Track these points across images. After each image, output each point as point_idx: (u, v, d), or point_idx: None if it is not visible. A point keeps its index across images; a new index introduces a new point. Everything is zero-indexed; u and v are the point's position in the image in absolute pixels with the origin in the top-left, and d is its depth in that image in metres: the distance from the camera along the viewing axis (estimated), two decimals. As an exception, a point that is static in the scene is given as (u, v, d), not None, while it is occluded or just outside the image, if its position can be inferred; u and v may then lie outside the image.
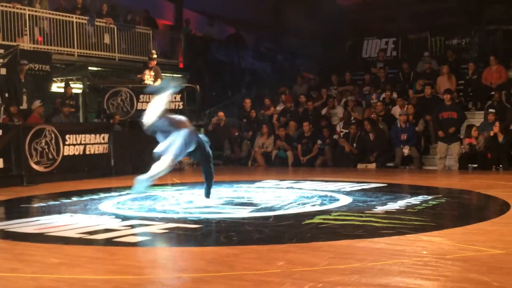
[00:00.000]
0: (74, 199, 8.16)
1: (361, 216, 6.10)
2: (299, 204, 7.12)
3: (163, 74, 16.05)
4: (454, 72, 14.97)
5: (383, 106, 14.27)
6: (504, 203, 7.00)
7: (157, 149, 6.89)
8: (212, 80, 18.43)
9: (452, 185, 9.43)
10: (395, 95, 14.95)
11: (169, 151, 6.74)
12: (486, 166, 11.94)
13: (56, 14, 14.96)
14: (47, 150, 10.79)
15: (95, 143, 11.78)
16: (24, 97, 12.83)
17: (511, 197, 7.43)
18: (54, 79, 15.24)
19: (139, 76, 14.83)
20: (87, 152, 11.59)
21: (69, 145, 11.24)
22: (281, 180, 10.31)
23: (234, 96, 18.82)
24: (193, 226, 5.78)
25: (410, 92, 15.06)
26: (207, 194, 7.45)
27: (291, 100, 16.37)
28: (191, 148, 6.99)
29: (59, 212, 6.89)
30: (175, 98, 14.91)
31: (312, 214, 6.30)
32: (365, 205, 6.98)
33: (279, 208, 6.78)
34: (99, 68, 16.56)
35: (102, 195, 8.56)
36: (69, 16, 15.21)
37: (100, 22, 15.95)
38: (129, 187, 9.47)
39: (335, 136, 14.22)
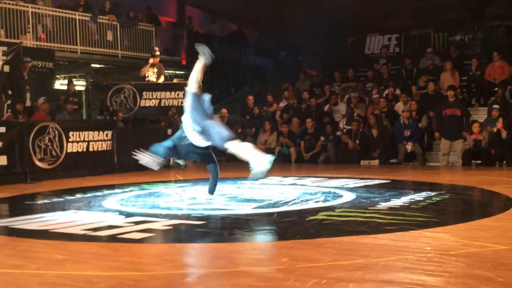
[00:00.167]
0: (78, 196, 8.17)
1: (365, 213, 6.10)
2: (302, 200, 7.13)
3: (165, 71, 16.08)
4: (457, 68, 14.95)
5: (386, 103, 14.25)
6: (508, 199, 6.99)
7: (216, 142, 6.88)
8: (214, 77, 18.43)
9: (456, 181, 9.43)
10: (398, 91, 14.94)
11: (221, 138, 6.77)
12: (490, 162, 11.92)
13: (59, 11, 14.99)
14: (50, 147, 10.80)
15: (99, 140, 11.79)
16: (28, 94, 12.86)
17: (514, 193, 7.43)
18: (57, 76, 15.28)
19: (141, 70, 14.86)
20: (91, 149, 11.61)
21: (72, 142, 11.26)
22: (284, 176, 10.32)
23: (237, 93, 18.83)
24: (196, 222, 5.78)
25: (413, 88, 15.04)
26: (212, 191, 7.44)
27: (294, 96, 16.36)
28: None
29: (63, 209, 6.90)
30: (177, 95, 14.94)
31: (315, 211, 6.30)
32: (368, 201, 6.97)
33: (282, 205, 6.78)
34: (102, 65, 16.59)
35: (106, 192, 8.58)
36: (71, 13, 15.23)
37: (102, 19, 15.97)
38: (133, 184, 9.54)
39: (338, 133, 14.22)
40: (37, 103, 12.70)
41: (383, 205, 6.62)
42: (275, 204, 6.82)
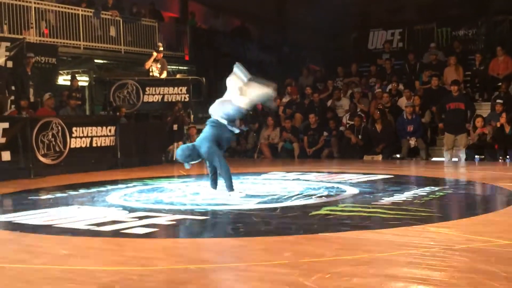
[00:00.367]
0: (82, 191, 8.19)
1: (368, 207, 6.10)
2: (305, 195, 7.13)
3: (168, 66, 16.07)
4: (461, 63, 14.90)
5: (389, 98, 14.23)
6: (511, 194, 6.98)
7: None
8: (217, 72, 18.42)
9: (459, 176, 9.42)
10: (401, 86, 14.92)
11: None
12: (493, 157, 11.91)
13: (62, 7, 14.99)
14: (54, 143, 10.82)
15: (102, 136, 11.80)
16: (31, 90, 12.87)
17: (518, 188, 7.42)
18: (60, 71, 15.29)
19: (146, 63, 14.85)
20: (94, 145, 11.62)
21: (75, 137, 11.27)
22: (287, 172, 10.32)
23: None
24: (200, 217, 5.79)
25: (417, 83, 15.01)
26: (216, 186, 7.40)
27: (297, 92, 16.34)
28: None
29: (67, 204, 6.92)
30: (180, 90, 14.94)
31: (319, 206, 6.30)
32: (372, 196, 6.97)
33: (286, 200, 6.79)
34: (105, 61, 16.59)
35: (109, 187, 8.59)
36: (75, 9, 15.23)
37: (105, 14, 15.96)
38: (136, 179, 9.56)
39: (341, 128, 14.20)
40: (40, 98, 12.72)
41: (387, 200, 6.62)
42: (278, 199, 6.83)
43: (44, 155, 10.64)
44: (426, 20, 18.25)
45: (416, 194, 7.07)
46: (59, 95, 13.79)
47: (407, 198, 6.75)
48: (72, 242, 4.83)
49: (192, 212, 6.12)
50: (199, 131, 15.12)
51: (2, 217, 6.16)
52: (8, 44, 12.78)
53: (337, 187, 7.89)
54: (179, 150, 7.16)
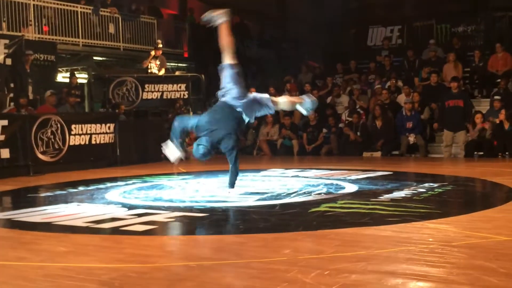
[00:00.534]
0: (81, 188, 8.19)
1: (367, 204, 6.10)
2: (305, 192, 7.13)
3: (167, 63, 16.07)
4: (460, 59, 14.90)
5: (389, 94, 14.23)
6: (510, 190, 7.00)
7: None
8: (217, 69, 18.39)
9: (458, 173, 9.42)
10: (400, 83, 14.91)
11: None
12: (492, 154, 11.91)
13: (60, 4, 14.96)
14: (53, 140, 10.82)
15: (101, 133, 11.80)
16: (30, 88, 12.87)
17: (517, 184, 7.43)
18: (59, 69, 15.28)
19: (144, 62, 14.86)
20: (93, 142, 11.62)
21: (74, 135, 11.27)
22: (286, 168, 10.32)
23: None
24: (199, 214, 5.79)
25: (416, 80, 15.01)
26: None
27: (296, 88, 16.33)
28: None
29: (66, 202, 6.92)
30: (180, 87, 14.94)
31: (318, 202, 6.30)
32: (371, 193, 6.97)
33: (285, 197, 6.79)
34: (104, 58, 16.59)
35: (109, 184, 8.59)
36: (73, 6, 15.20)
37: (104, 11, 15.95)
38: (135, 177, 9.56)
39: (341, 125, 14.21)
40: (39, 96, 12.73)
41: (386, 196, 6.62)
42: (277, 196, 6.83)
43: (43, 153, 10.64)
44: (425, 16, 18.24)
45: (415, 190, 7.07)
46: (58, 93, 13.79)
47: (406, 194, 6.75)
48: (71, 240, 4.83)
49: (191, 209, 6.12)
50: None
51: (1, 215, 6.16)
52: (7, 41, 12.77)
53: (336, 184, 7.89)
54: (198, 150, 6.81)
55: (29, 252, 4.40)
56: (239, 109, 6.85)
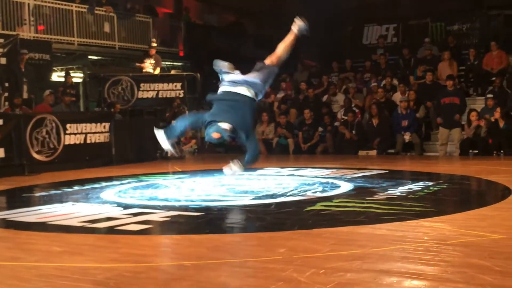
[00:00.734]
0: (76, 188, 8.17)
1: (363, 203, 6.11)
2: (300, 191, 7.13)
3: (163, 62, 16.04)
4: (455, 58, 14.93)
5: (384, 93, 14.25)
6: (505, 189, 7.00)
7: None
8: (212, 68, 18.37)
9: (453, 171, 9.44)
10: (395, 81, 14.93)
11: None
12: (487, 152, 11.94)
13: (56, 3, 14.92)
14: (48, 140, 10.79)
15: (96, 132, 11.78)
16: (25, 87, 12.83)
17: (512, 182, 7.44)
18: (54, 68, 15.24)
19: (138, 64, 14.83)
20: (88, 141, 11.59)
21: (70, 134, 11.24)
22: (282, 167, 10.32)
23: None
24: (194, 214, 5.79)
25: (411, 78, 15.03)
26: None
27: (292, 87, 16.34)
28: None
29: (61, 201, 6.90)
30: (175, 86, 14.92)
31: (313, 201, 6.30)
32: (366, 191, 6.98)
33: (280, 196, 6.79)
34: (99, 57, 16.55)
35: (104, 183, 8.57)
36: (68, 5, 15.16)
37: (99, 10, 15.91)
38: (130, 176, 9.54)
39: (336, 123, 14.21)
40: (33, 95, 12.70)
41: (381, 195, 6.63)
42: (273, 195, 6.83)
43: (38, 152, 10.61)
44: (421, 15, 18.25)
45: (410, 189, 7.09)
46: (53, 92, 13.76)
47: (401, 193, 6.76)
48: (66, 239, 4.82)
49: (186, 208, 6.12)
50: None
51: (-4, 215, 6.15)
52: (2, 40, 12.70)
53: (332, 183, 7.90)
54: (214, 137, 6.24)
55: (24, 252, 4.39)
56: (251, 93, 6.60)
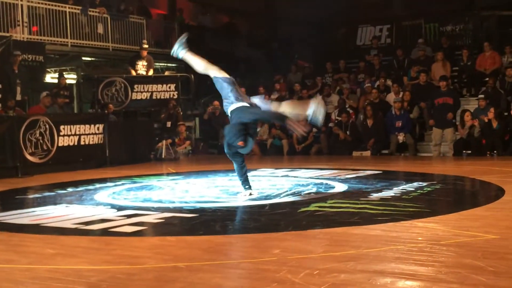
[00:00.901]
0: (70, 189, 8.15)
1: (357, 203, 6.12)
2: (294, 192, 7.14)
3: (156, 64, 16.01)
4: (449, 58, 14.98)
5: (378, 94, 14.27)
6: (499, 189, 7.03)
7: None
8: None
9: (447, 172, 9.46)
10: (389, 82, 14.96)
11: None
12: (481, 152, 11.98)
13: (49, 4, 14.87)
14: (41, 141, 10.76)
15: (90, 134, 11.74)
16: (18, 88, 12.78)
17: (505, 182, 7.47)
18: (48, 69, 15.18)
19: (130, 69, 14.81)
20: (82, 143, 11.56)
21: (63, 135, 11.20)
22: (276, 168, 10.32)
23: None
24: (188, 215, 5.78)
25: (405, 79, 15.06)
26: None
27: (285, 88, 16.34)
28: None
29: (55, 203, 6.88)
30: (169, 87, 14.90)
31: (307, 202, 6.31)
32: (360, 192, 6.99)
33: (274, 197, 6.79)
34: (93, 58, 16.50)
35: (98, 185, 8.55)
36: (62, 6, 15.11)
37: (93, 12, 15.87)
38: (124, 177, 9.52)
39: (331, 124, 14.23)
40: (27, 97, 12.66)
41: (375, 196, 6.64)
42: (267, 196, 6.83)
43: (31, 154, 10.57)
44: (414, 16, 18.31)
45: (404, 189, 7.10)
46: (50, 94, 13.71)
47: (395, 193, 6.78)
48: (60, 241, 4.81)
49: (180, 210, 6.11)
50: (188, 129, 15.18)
51: (-11, 217, 6.12)
52: (-5, 42, 12.69)
53: (326, 184, 7.91)
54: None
55: (17, 254, 4.37)
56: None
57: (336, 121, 14.16)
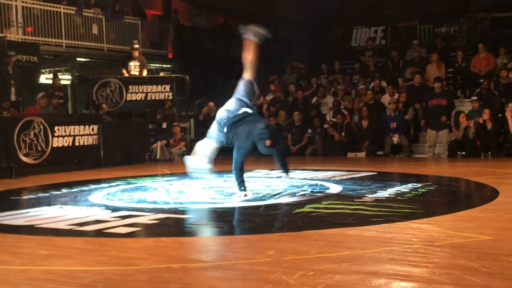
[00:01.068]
0: (64, 190, 8.13)
1: (351, 205, 6.12)
2: (289, 193, 7.13)
3: (151, 64, 15.99)
4: (443, 60, 15.02)
5: (373, 95, 14.29)
6: (493, 190, 7.05)
7: None
8: (201, 70, 18.36)
9: (442, 173, 9.49)
10: (384, 83, 14.99)
11: None
12: (475, 154, 12.01)
13: (43, 5, 14.82)
14: (36, 142, 10.72)
15: (85, 135, 11.72)
16: (13, 89, 12.74)
17: (499, 184, 7.49)
18: (42, 70, 15.13)
19: (123, 70, 14.80)
20: (77, 144, 11.54)
21: (58, 136, 11.18)
22: (271, 169, 10.32)
23: (224, 86, 18.76)
24: (183, 216, 5.78)
25: (400, 80, 15.10)
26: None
27: (280, 89, 16.35)
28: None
29: (49, 204, 6.86)
30: (164, 88, 14.89)
31: (302, 203, 6.31)
32: (355, 193, 7.00)
33: (269, 198, 6.79)
34: (87, 59, 16.45)
35: (92, 186, 8.53)
36: (56, 7, 15.07)
37: (88, 12, 15.83)
38: (119, 178, 9.51)
39: (326, 125, 14.25)
40: (21, 97, 12.61)
41: (370, 197, 6.65)
42: (262, 197, 6.82)
43: (26, 155, 10.54)
44: (409, 17, 18.35)
45: (399, 190, 7.11)
46: (46, 95, 13.65)
47: (390, 195, 6.79)
48: (54, 242, 4.79)
49: (175, 211, 6.10)
50: (183, 130, 15.16)
51: (-17, 218, 6.09)
52: (-11, 42, 12.65)
53: (321, 185, 7.91)
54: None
55: (11, 255, 4.36)
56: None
57: (331, 122, 14.18)
